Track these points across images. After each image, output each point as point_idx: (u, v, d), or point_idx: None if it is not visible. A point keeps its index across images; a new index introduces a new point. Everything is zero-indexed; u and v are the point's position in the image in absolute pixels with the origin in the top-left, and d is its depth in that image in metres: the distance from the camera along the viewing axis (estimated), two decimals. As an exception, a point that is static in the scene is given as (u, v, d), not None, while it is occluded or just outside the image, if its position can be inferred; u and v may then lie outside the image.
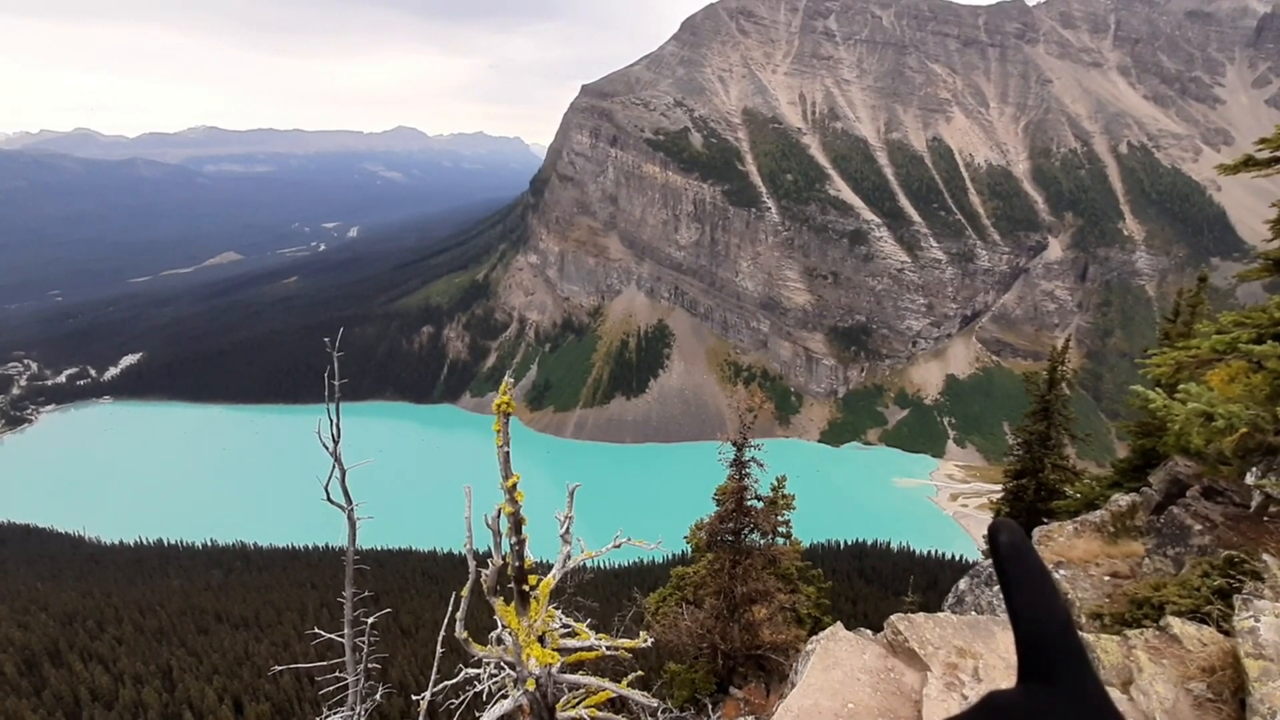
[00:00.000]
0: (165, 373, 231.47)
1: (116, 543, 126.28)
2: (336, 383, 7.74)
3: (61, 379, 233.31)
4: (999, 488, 31.93)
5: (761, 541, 13.93)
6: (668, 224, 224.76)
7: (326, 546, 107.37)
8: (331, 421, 7.76)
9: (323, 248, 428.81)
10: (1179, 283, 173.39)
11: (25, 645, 65.12)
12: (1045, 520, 21.64)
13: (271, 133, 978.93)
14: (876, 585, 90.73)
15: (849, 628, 6.33)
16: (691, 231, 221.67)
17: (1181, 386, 7.22)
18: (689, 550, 19.52)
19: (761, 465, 12.54)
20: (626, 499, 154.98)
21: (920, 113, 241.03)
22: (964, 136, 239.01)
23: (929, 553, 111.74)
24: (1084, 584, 8.59)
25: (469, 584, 7.80)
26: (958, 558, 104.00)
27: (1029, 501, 27.40)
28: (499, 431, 7.38)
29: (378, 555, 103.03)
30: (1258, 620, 3.28)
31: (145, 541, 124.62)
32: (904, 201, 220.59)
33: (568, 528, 8.69)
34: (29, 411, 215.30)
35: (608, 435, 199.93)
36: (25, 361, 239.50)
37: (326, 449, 8.03)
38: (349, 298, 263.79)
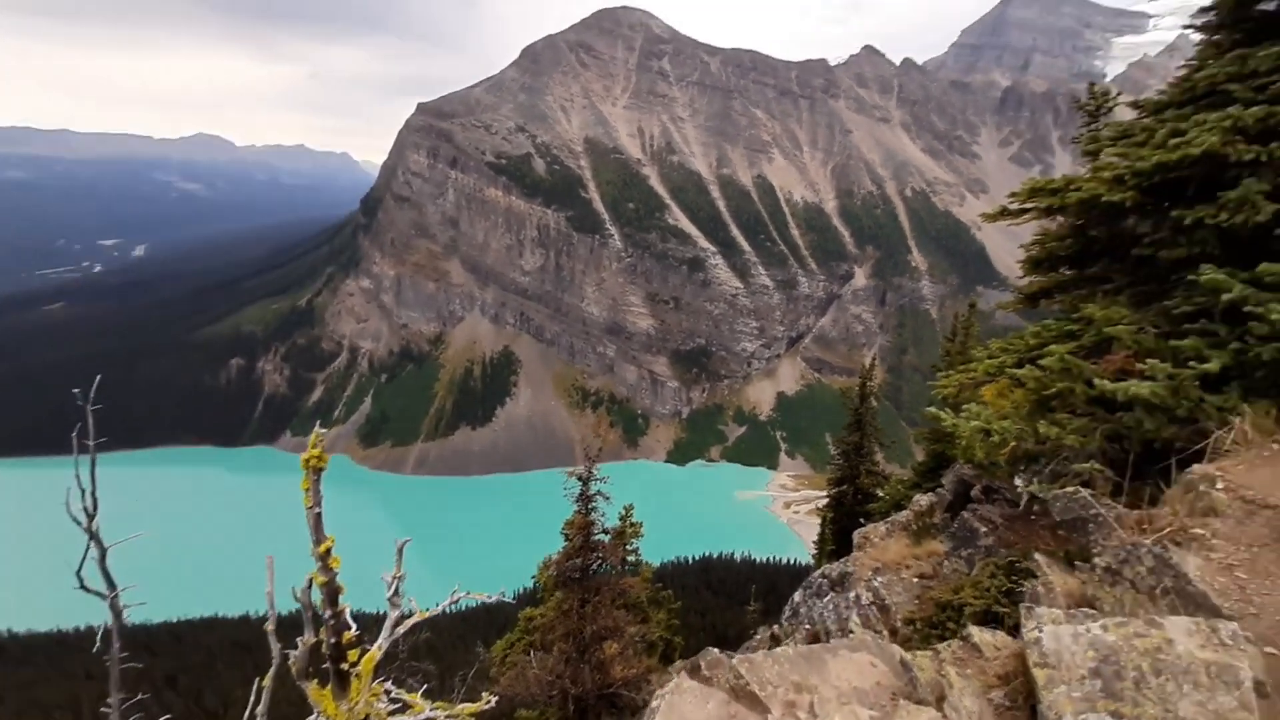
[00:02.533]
0: None
1: None
2: (92, 443, 6.30)
3: None
4: (824, 494, 34.92)
5: (611, 575, 13.76)
6: (512, 249, 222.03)
7: (104, 627, 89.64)
8: (84, 491, 6.28)
9: (98, 269, 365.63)
10: (955, 307, 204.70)
11: None
12: (863, 521, 23.94)
13: (29, 132, 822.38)
14: (722, 596, 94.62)
15: (697, 641, 6.30)
16: (536, 257, 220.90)
17: (965, 407, 8.21)
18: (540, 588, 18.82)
19: (607, 498, 12.42)
20: (476, 534, 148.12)
21: (746, 152, 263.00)
22: (784, 175, 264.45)
23: (768, 559, 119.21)
24: (898, 589, 9.42)
25: (272, 670, 6.67)
26: (793, 561, 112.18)
27: (849, 506, 30.17)
28: (308, 490, 6.45)
29: (173, 629, 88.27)
30: (1040, 630, 3.54)
31: None
32: (735, 232, 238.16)
33: (396, 588, 7.80)
34: None
35: (452, 468, 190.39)
36: None
37: (79, 524, 6.50)
38: (136, 327, 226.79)
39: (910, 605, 8.57)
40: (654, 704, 4.30)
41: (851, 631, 8.68)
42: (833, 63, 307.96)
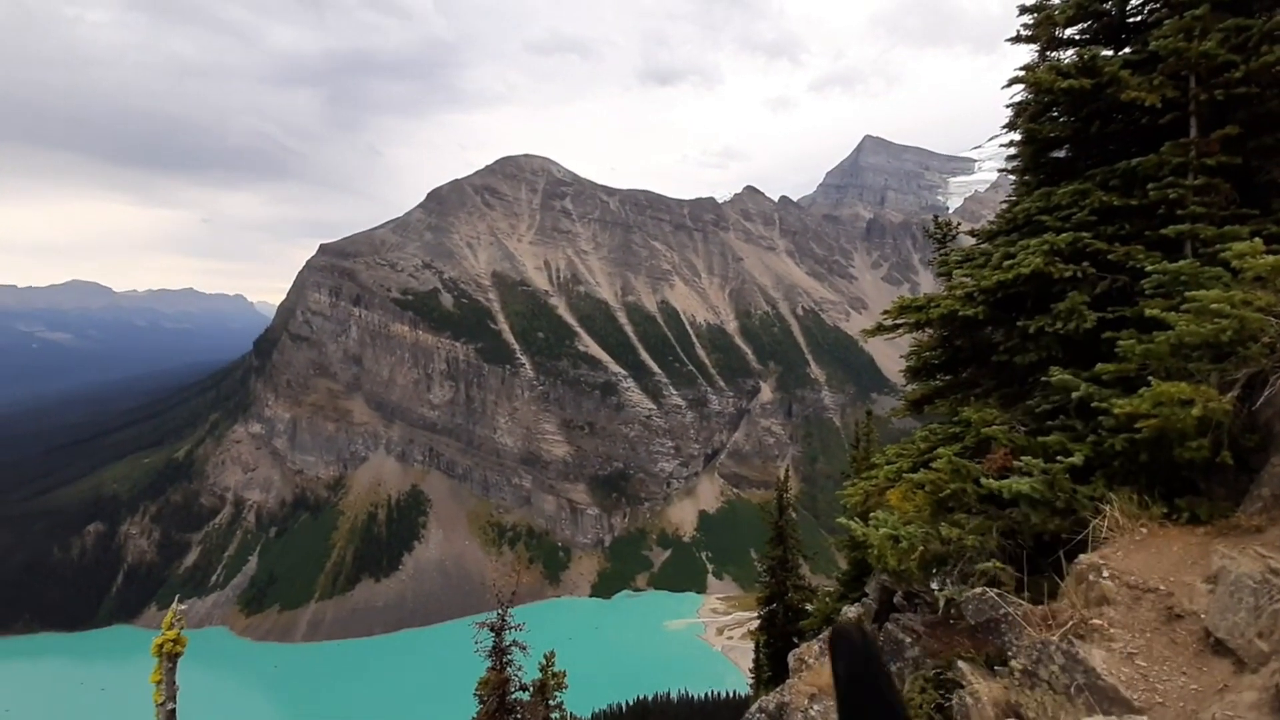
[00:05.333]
0: None
1: None
2: None
3: None
4: (756, 615, 33.86)
5: (532, 738, 12.28)
6: (419, 383, 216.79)
7: None
8: None
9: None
10: (855, 414, 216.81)
11: None
12: (796, 641, 23.19)
13: None
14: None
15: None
16: (445, 390, 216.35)
17: (873, 514, 8.41)
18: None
19: (524, 648, 11.39)
20: (382, 705, 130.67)
21: (649, 280, 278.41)
22: (686, 300, 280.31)
23: (706, 694, 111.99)
24: (834, 716, 8.97)
25: None
26: (732, 694, 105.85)
27: (781, 625, 29.24)
28: (160, 683, 5.46)
29: None
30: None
31: None
32: (645, 355, 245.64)
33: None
34: None
35: (351, 630, 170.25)
36: None
37: None
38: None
39: (849, 733, 8.15)
40: None
41: (793, 773, 8.04)
42: (719, 200, 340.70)
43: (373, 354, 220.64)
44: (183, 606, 5.53)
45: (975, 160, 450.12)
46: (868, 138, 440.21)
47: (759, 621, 31.33)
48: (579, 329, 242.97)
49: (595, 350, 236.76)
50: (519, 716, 11.32)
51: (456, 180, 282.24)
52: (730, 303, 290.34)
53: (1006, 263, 8.28)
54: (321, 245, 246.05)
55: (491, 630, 11.18)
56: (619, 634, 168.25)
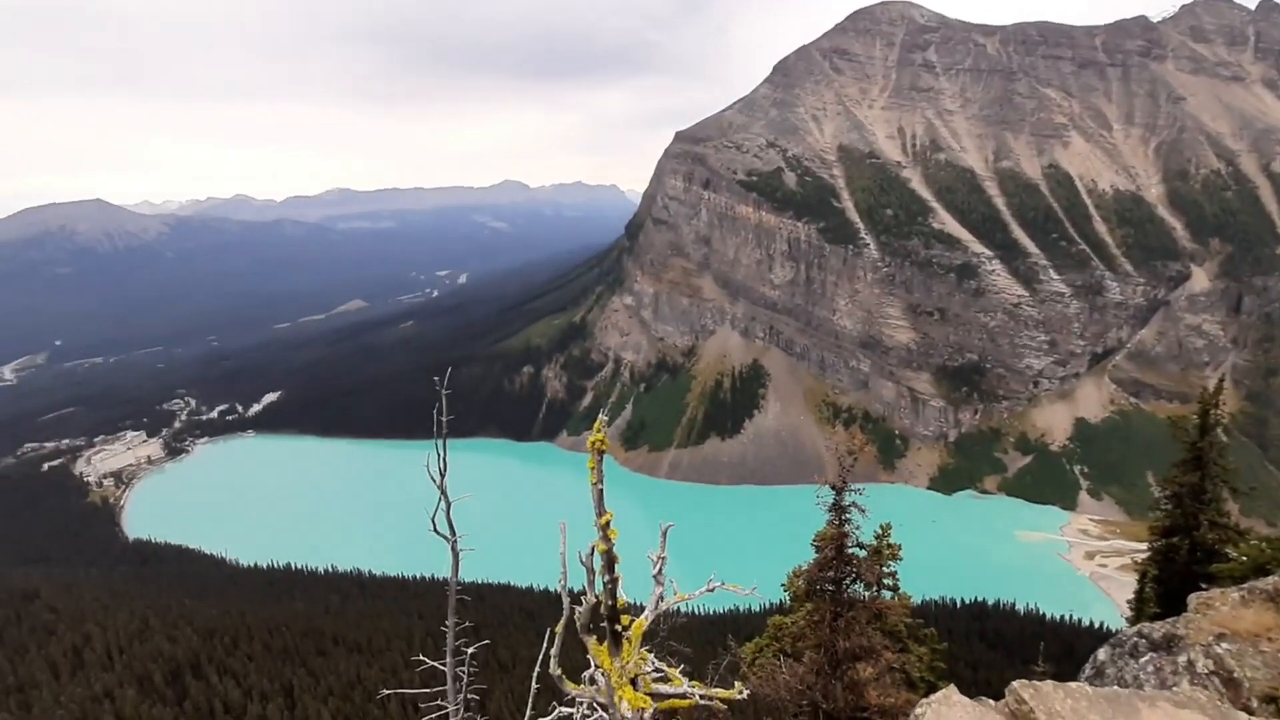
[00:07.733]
0: (299, 409, 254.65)
1: (251, 565, 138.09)
2: (444, 419, 8.19)
3: (214, 414, 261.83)
4: (1144, 546, 28.35)
5: (865, 594, 13.10)
6: (761, 263, 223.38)
7: (432, 577, 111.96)
8: (439, 456, 8.18)
9: (436, 294, 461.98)
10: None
11: (172, 657, 72.03)
12: (1204, 586, 18.93)
13: (395, 192, 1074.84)
14: (1000, 651, 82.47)
15: (967, 695, 5.73)
16: (786, 270, 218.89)
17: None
18: (786, 599, 18.70)
19: (863, 511, 11.90)
20: (721, 542, 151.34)
21: (1033, 139, 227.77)
22: (1085, 161, 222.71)
23: (1062, 617, 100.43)
24: (1254, 661, 7.43)
25: (563, 620, 7.89)
26: (1096, 624, 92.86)
27: (1182, 563, 24.13)
28: (593, 469, 7.51)
29: (478, 588, 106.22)
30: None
31: (276, 565, 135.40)
32: (1018, 232, 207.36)
33: (660, 568, 8.61)
34: (187, 443, 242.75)
35: (702, 476, 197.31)
36: (186, 399, 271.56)
37: (434, 482, 8.46)
38: (457, 340, 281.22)
39: (1271, 681, 6.63)
40: (918, 711, 4.14)
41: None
42: (1154, 19, 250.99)
43: (720, 235, 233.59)
44: (604, 417, 7.33)
45: None
46: None
47: (1149, 553, 26.30)
48: (935, 203, 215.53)
49: (953, 227, 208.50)
50: (854, 569, 12.13)
51: (803, 47, 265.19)
52: (1156, 160, 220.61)
53: None
54: (676, 133, 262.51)
55: (832, 488, 11.95)
56: (959, 533, 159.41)
